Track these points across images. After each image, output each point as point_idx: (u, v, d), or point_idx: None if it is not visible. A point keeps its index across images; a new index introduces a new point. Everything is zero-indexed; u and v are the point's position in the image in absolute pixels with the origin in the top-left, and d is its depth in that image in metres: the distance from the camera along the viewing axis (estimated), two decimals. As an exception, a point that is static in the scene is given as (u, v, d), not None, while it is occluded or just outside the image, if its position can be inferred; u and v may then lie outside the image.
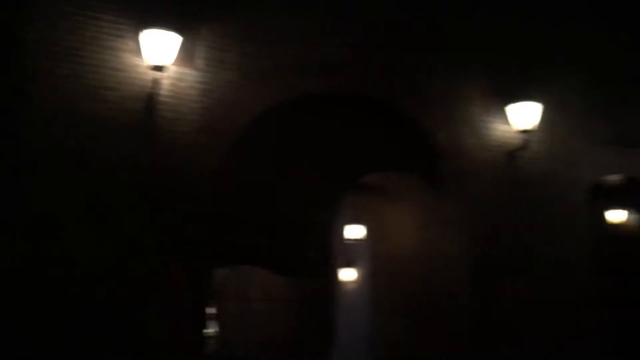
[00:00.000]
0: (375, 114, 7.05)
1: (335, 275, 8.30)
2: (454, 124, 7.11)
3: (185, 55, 5.72)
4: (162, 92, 5.56)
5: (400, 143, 7.34)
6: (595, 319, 7.33)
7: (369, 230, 9.11)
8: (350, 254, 9.61)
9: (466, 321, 6.83)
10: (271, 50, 6.18)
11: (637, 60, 8.56)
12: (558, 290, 7.16)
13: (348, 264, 9.65)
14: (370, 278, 8.97)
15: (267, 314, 7.81)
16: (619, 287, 8.37)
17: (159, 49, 5.40)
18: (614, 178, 8.41)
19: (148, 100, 5.49)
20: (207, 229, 5.55)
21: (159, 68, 5.44)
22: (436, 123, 7.06)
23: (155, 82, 5.51)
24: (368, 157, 7.37)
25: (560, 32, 8.00)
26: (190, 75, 5.75)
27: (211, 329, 8.34)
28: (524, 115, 7.02)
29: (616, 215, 8.97)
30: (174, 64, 5.61)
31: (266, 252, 6.87)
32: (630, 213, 8.98)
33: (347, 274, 9.80)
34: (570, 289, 7.26)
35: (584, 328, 7.17)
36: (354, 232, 9.45)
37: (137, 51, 5.49)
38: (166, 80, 5.58)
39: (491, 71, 7.36)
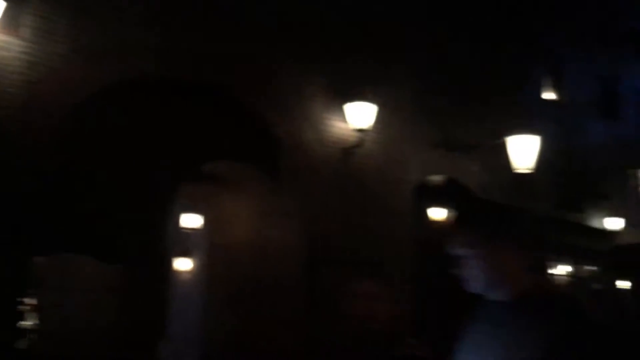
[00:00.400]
0: (218, 103, 6.97)
1: (168, 264, 8.09)
2: (295, 118, 7.26)
3: (9, 22, 5.20)
4: (-22, 60, 5.01)
5: (242, 133, 7.34)
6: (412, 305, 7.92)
7: (207, 220, 8.99)
8: (186, 243, 9.41)
9: (298, 312, 7.02)
10: (107, 26, 5.83)
11: (467, 70, 9.37)
12: (384, 281, 7.61)
13: (183, 254, 9.44)
14: (205, 268, 8.86)
15: (93, 305, 7.40)
16: (436, 276, 9.09)
17: (-24, 12, 4.85)
18: (436, 178, 9.15)
19: (-39, 68, 4.92)
20: (27, 215, 5.10)
21: (-25, 33, 4.89)
22: (277, 116, 7.15)
23: (-29, 49, 4.95)
24: (208, 146, 7.27)
25: (397, 38, 8.50)
26: (15, 45, 5.25)
27: (29, 322, 7.71)
28: (360, 115, 7.36)
29: (437, 213, 9.74)
30: (-6, 31, 5.07)
31: (94, 240, 6.50)
32: (449, 211, 9.81)
33: (182, 264, 9.59)
34: (393, 280, 7.76)
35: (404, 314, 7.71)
36: (191, 220, 9.27)
37: (-50, 12, 4.89)
38: (-15, 47, 5.04)
39: (332, 70, 7.62)
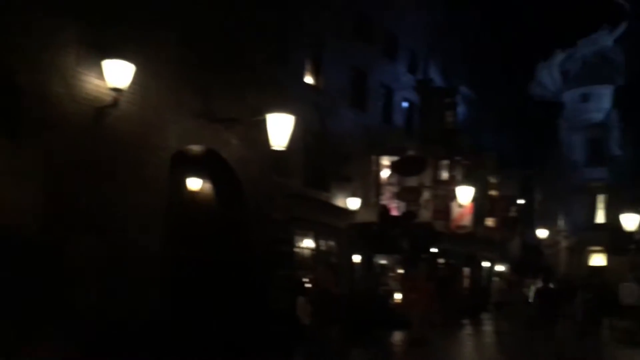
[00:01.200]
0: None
1: None
2: (42, 68, 6.58)
3: None
4: None
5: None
6: (161, 276, 7.83)
7: None
8: None
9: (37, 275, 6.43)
10: None
11: (232, 46, 9.42)
12: (132, 248, 7.37)
13: None
14: None
15: None
16: (186, 246, 9.05)
17: None
18: (196, 148, 9.08)
19: None
20: None
21: None
22: (19, 62, 6.40)
23: None
24: None
25: (163, 3, 8.20)
26: None
27: None
28: (117, 73, 6.94)
29: (194, 183, 9.68)
30: None
31: None
32: (205, 182, 9.82)
33: None
34: (144, 248, 7.57)
35: (151, 285, 7.59)
36: None
37: None
38: None
39: (90, 21, 7.04)
